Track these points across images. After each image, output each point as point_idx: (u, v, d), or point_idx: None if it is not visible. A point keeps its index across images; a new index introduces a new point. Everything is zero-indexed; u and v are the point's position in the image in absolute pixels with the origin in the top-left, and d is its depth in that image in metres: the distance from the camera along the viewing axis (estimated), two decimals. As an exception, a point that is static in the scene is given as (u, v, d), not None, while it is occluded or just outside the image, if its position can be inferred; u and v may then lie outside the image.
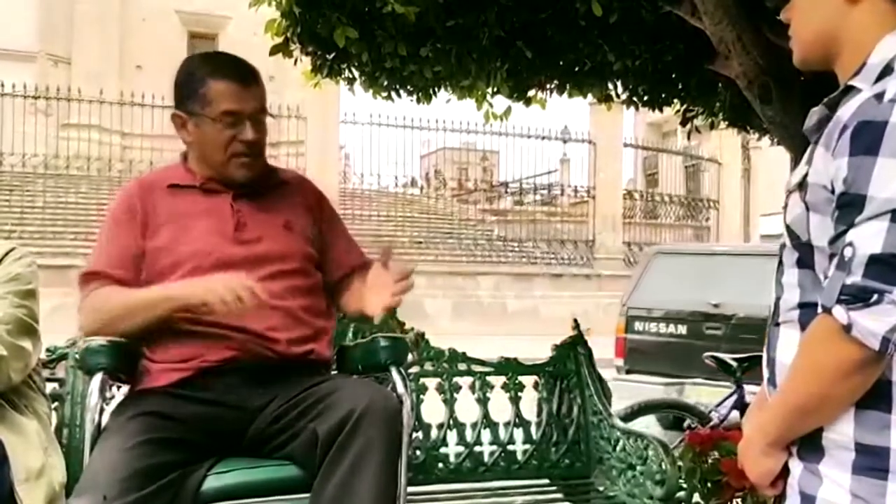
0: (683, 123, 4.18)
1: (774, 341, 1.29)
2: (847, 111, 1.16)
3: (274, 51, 3.32)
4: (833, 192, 1.15)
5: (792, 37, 1.35)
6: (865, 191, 1.09)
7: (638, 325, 6.88)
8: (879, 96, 1.13)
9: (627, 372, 6.60)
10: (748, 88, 2.99)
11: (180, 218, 2.01)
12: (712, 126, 4.26)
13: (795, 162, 1.34)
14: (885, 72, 1.17)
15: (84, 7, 19.17)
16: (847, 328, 1.09)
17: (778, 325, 1.29)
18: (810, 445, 1.20)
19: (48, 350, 2.35)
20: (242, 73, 2.03)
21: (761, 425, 1.28)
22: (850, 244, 1.10)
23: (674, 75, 3.62)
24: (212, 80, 1.99)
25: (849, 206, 1.11)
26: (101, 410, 1.91)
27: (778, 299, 1.29)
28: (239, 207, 2.04)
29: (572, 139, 18.14)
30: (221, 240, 1.99)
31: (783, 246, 1.29)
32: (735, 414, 4.09)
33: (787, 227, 1.25)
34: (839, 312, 1.09)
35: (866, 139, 1.11)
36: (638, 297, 6.95)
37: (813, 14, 1.28)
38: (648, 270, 7.09)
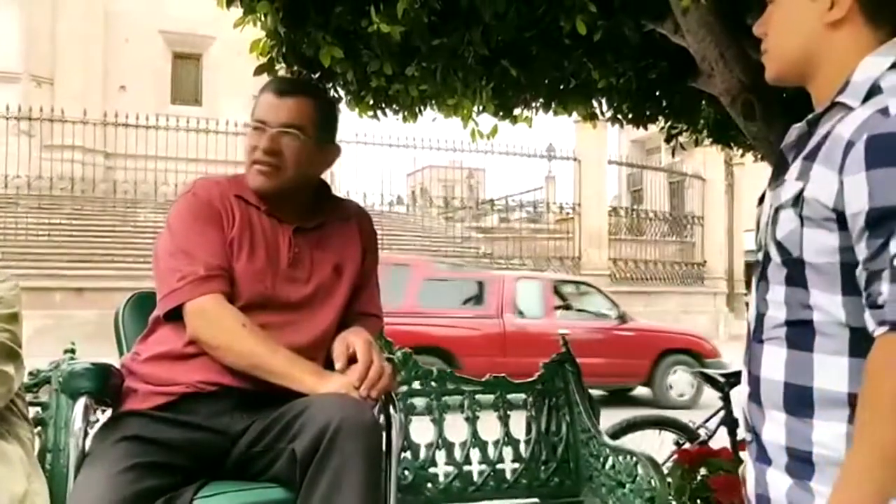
0: (668, 140, 4.19)
1: (758, 359, 1.27)
2: (845, 128, 1.15)
3: (259, 71, 3.29)
4: (835, 209, 1.13)
5: (765, 52, 1.35)
6: None
7: None
8: (884, 111, 1.13)
9: None
10: (731, 105, 3.00)
11: (246, 233, 1.99)
12: (697, 143, 4.28)
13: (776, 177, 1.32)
14: (874, 90, 1.17)
15: (67, 27, 19.10)
16: None
17: (762, 341, 1.27)
18: None
19: (31, 374, 2.32)
20: (281, 86, 2.03)
21: (849, 494, 1.10)
22: None
23: (658, 93, 3.64)
24: (260, 94, 2.02)
25: (882, 219, 1.09)
26: (86, 435, 1.89)
27: (762, 315, 1.27)
28: (296, 242, 2.03)
29: (557, 157, 18.22)
30: (274, 276, 1.98)
31: (767, 261, 1.27)
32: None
33: (778, 243, 1.23)
34: None
35: (883, 152, 1.10)
36: None
37: (791, 34, 1.29)
38: None
